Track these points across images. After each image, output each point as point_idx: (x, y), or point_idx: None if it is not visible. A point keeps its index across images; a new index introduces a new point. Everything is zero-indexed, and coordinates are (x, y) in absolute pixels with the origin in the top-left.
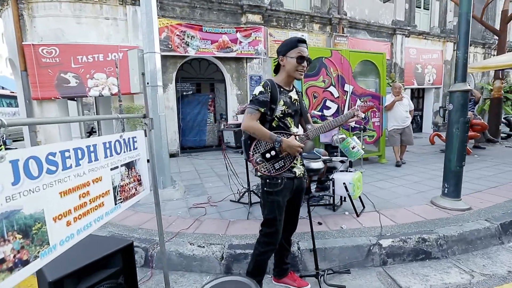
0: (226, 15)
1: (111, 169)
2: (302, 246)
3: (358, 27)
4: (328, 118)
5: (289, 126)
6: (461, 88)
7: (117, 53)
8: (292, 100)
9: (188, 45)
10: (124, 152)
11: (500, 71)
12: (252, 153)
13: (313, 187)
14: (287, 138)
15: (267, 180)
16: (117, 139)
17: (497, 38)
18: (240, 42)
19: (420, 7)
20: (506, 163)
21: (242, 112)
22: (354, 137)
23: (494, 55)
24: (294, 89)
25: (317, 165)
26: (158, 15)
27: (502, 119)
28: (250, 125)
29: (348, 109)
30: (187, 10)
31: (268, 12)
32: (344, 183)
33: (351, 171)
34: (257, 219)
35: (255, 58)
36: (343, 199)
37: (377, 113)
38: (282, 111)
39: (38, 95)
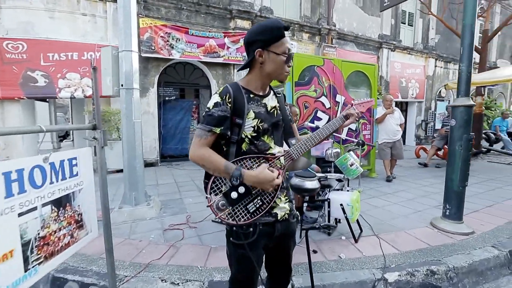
0: (214, 19)
1: (20, 215)
2: (297, 282)
3: (346, 38)
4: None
5: (268, 147)
6: (464, 103)
7: (94, 52)
8: (269, 109)
9: (172, 47)
10: (52, 183)
11: (482, 88)
12: (210, 195)
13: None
14: (256, 167)
15: (233, 228)
16: (36, 164)
17: (474, 57)
18: (228, 47)
19: (405, 23)
20: (493, 179)
21: None
22: (351, 152)
23: (473, 72)
24: (272, 92)
25: (312, 184)
26: (141, 14)
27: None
28: (197, 155)
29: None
30: (173, 11)
31: (258, 19)
32: (341, 205)
33: (348, 190)
34: None
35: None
36: (338, 220)
37: (368, 125)
38: (254, 127)
39: None
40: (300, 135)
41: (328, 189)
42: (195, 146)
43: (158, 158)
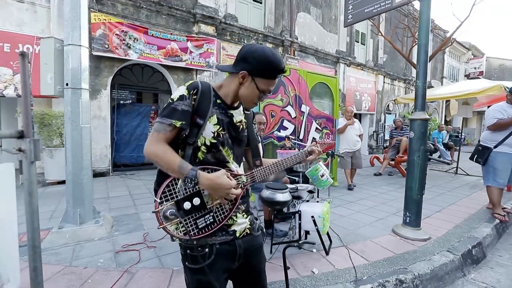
0: (177, 22)
1: None
2: None
3: (307, 52)
4: (289, 138)
5: (226, 160)
6: (421, 117)
7: (33, 46)
8: (235, 122)
9: (129, 47)
10: None
11: None
12: (159, 200)
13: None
14: (212, 172)
15: (187, 251)
16: None
17: (413, 76)
18: (191, 52)
19: (358, 42)
20: (437, 185)
21: None
22: (321, 163)
23: (412, 90)
24: (241, 107)
25: (284, 197)
26: (93, 8)
27: None
28: (152, 150)
29: (305, 131)
30: (131, 9)
31: (222, 25)
32: (312, 217)
33: (317, 201)
34: None
35: (206, 70)
36: (307, 232)
37: (330, 135)
38: (214, 133)
39: None
40: (266, 144)
41: (298, 201)
42: (151, 141)
43: (110, 167)
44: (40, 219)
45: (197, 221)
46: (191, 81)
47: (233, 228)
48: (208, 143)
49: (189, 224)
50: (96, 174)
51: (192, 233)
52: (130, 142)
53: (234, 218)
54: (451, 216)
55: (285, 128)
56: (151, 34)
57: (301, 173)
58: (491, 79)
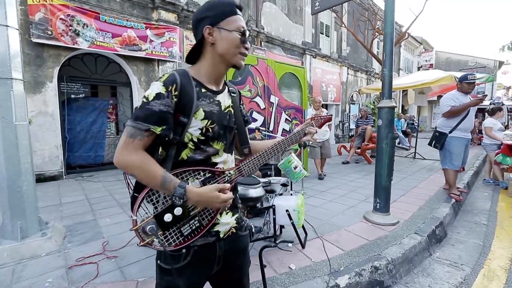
0: (133, 7)
1: None
2: None
3: (274, 42)
4: (259, 129)
5: (215, 153)
6: (388, 105)
7: None
8: (223, 109)
9: (78, 34)
10: None
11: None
12: (136, 216)
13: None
14: (200, 185)
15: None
16: None
17: (374, 68)
18: (151, 40)
19: (323, 33)
20: (399, 170)
21: None
22: (293, 154)
23: (373, 81)
24: (227, 89)
25: (257, 192)
26: None
27: None
28: (127, 160)
29: (274, 122)
30: None
31: (184, 13)
32: (287, 210)
33: (291, 194)
34: None
35: (169, 61)
36: (281, 226)
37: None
38: (202, 130)
39: None
40: None
41: (271, 195)
42: (124, 149)
43: (63, 170)
44: None
45: (181, 228)
46: (166, 74)
47: (216, 228)
48: (195, 140)
49: (172, 234)
50: (46, 178)
51: (177, 242)
52: (86, 141)
53: (218, 217)
54: (415, 198)
55: (255, 120)
56: (103, 20)
57: (273, 166)
58: None
